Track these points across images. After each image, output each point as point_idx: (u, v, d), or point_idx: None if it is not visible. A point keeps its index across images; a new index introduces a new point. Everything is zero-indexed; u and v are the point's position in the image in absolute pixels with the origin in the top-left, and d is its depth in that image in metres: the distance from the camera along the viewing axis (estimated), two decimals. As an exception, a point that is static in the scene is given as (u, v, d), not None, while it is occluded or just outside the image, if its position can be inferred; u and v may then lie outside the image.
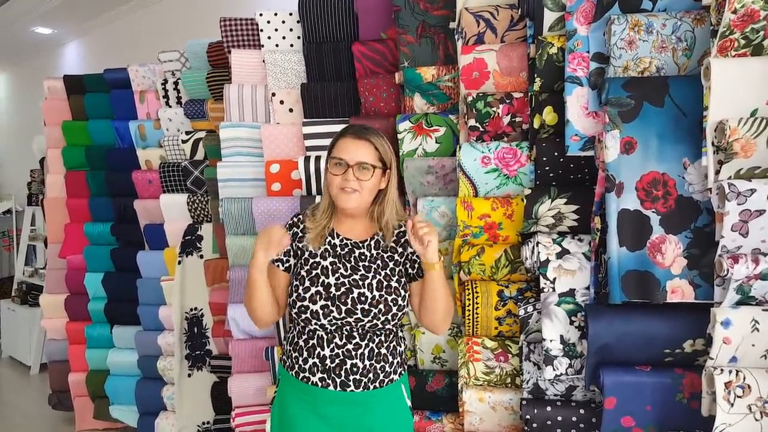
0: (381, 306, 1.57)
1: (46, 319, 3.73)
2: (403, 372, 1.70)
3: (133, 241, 3.32)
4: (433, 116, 2.24)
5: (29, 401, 4.31)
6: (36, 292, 5.11)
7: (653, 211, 1.70)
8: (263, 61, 2.58)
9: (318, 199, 2.37)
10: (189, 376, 3.00)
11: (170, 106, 3.16)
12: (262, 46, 2.62)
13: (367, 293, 1.58)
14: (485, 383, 2.08)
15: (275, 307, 1.67)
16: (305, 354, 1.61)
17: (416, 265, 1.68)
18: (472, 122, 2.08)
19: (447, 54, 2.31)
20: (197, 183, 2.96)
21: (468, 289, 2.06)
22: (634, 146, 1.70)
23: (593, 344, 1.74)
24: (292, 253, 1.69)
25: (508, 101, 2.05)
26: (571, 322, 1.85)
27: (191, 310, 3.00)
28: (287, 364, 1.68)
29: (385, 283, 1.60)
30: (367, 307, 1.57)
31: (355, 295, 1.58)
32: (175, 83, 3.10)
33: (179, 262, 2.96)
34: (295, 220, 1.73)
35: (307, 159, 2.42)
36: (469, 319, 2.07)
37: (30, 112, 6.53)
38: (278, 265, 1.69)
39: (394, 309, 1.59)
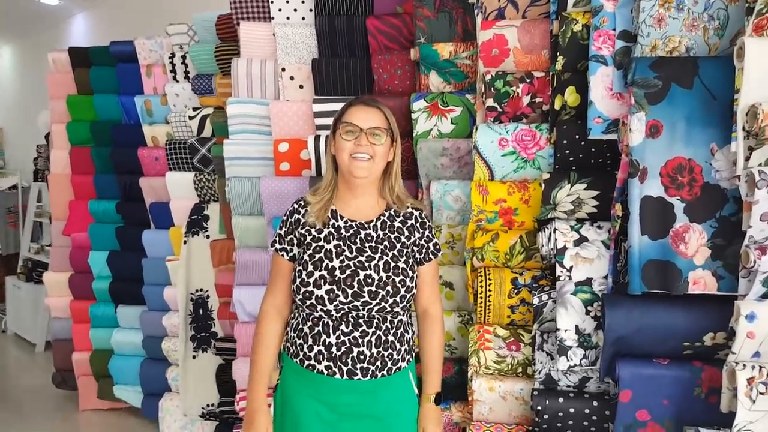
0: (389, 287, 1.53)
1: (51, 297, 3.71)
2: (411, 359, 1.66)
3: (138, 220, 3.29)
4: (450, 95, 2.17)
5: (34, 379, 4.30)
6: (41, 269, 5.08)
7: (678, 199, 1.63)
8: (273, 34, 2.50)
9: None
10: (194, 357, 2.97)
11: (177, 81, 3.10)
12: (273, 18, 2.53)
13: (374, 275, 1.53)
14: (496, 372, 2.03)
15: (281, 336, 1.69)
16: (310, 341, 1.56)
17: (423, 251, 1.64)
18: (489, 102, 2.00)
19: (465, 30, 2.23)
20: (204, 161, 2.91)
21: (481, 276, 2.01)
22: (660, 130, 1.63)
23: (610, 335, 1.69)
24: (296, 242, 1.64)
25: (528, 80, 1.97)
26: (587, 312, 1.79)
27: (197, 291, 2.96)
28: (291, 351, 1.63)
29: (393, 264, 1.55)
30: (374, 289, 1.52)
31: (361, 277, 1.52)
32: (183, 57, 3.04)
33: (185, 242, 2.92)
34: (296, 206, 1.67)
35: (317, 138, 2.35)
36: (480, 307, 2.01)
37: (36, 85, 6.48)
38: (283, 255, 1.64)
39: (402, 290, 1.54)
